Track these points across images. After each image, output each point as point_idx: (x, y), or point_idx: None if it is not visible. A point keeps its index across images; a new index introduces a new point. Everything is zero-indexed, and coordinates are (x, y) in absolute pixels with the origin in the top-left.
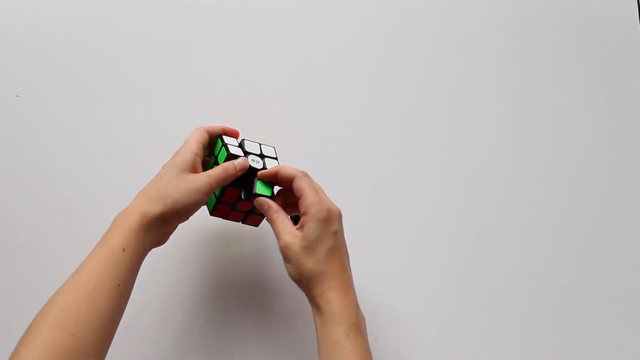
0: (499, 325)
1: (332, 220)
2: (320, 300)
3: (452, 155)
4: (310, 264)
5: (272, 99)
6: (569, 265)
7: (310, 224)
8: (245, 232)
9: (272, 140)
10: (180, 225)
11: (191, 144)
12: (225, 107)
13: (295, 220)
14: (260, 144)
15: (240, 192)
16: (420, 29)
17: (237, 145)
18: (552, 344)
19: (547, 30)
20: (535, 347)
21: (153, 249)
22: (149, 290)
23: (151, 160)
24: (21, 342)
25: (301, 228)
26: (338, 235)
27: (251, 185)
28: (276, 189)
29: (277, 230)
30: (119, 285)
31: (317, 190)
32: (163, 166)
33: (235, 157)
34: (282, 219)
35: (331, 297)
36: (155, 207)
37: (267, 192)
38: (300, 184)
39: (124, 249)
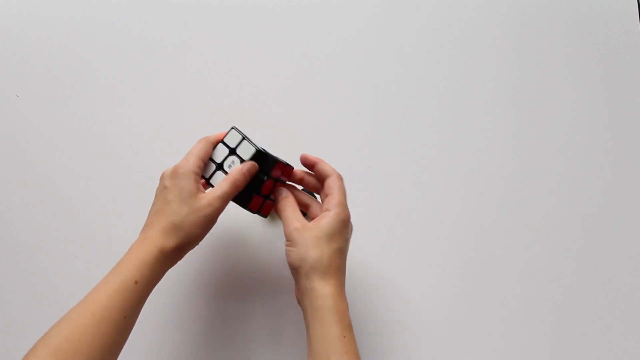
0: (499, 325)
1: (348, 226)
2: (318, 294)
3: (452, 155)
4: (318, 253)
5: (272, 99)
6: (569, 265)
7: (330, 219)
8: (246, 232)
9: (272, 140)
10: None
11: (192, 159)
12: (225, 107)
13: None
14: (256, 149)
15: (273, 183)
16: (420, 29)
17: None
18: (552, 344)
19: (547, 30)
20: (535, 347)
21: None
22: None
23: (151, 160)
24: None
25: (317, 221)
26: (348, 243)
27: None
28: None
29: (287, 216)
30: (125, 317)
31: (346, 196)
32: (165, 188)
33: (260, 154)
34: (294, 208)
35: (330, 294)
36: (170, 241)
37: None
38: (333, 184)
39: (136, 282)
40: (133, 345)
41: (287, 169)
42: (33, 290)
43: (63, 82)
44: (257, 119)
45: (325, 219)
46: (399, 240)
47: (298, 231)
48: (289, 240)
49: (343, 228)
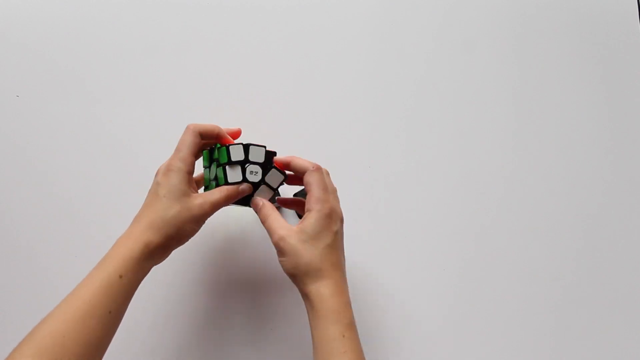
0: (499, 325)
1: (334, 219)
2: (315, 297)
3: (452, 155)
4: (307, 257)
5: (272, 99)
6: (569, 265)
7: (312, 218)
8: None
9: (272, 140)
10: None
11: (183, 155)
12: (225, 107)
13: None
14: (265, 149)
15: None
16: (420, 29)
17: (242, 154)
18: (552, 344)
19: (547, 30)
20: (535, 347)
21: None
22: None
23: (151, 160)
24: None
25: (301, 223)
26: (338, 235)
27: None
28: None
29: (271, 226)
30: (110, 312)
31: (325, 188)
32: (157, 183)
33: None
34: (276, 216)
35: (326, 295)
36: (158, 237)
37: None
38: (310, 179)
39: (120, 276)
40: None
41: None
42: (33, 290)
43: (63, 82)
44: (257, 119)
45: (307, 220)
46: (399, 240)
47: (283, 240)
48: (278, 251)
49: (328, 223)
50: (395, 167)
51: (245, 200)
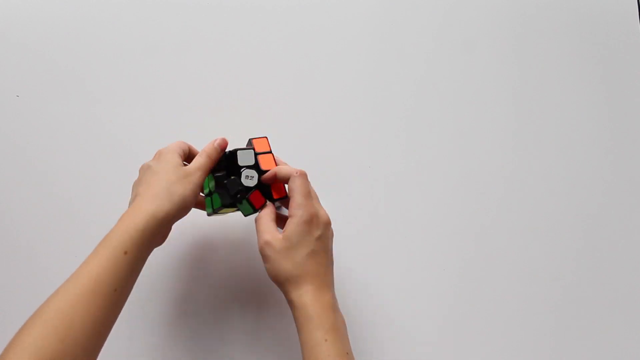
0: (499, 325)
1: (315, 224)
2: (297, 304)
3: (452, 155)
4: (288, 265)
5: (272, 99)
6: (569, 265)
7: (293, 225)
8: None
9: (272, 140)
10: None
11: (172, 145)
12: (225, 107)
13: None
14: (253, 149)
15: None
16: (420, 29)
17: (224, 163)
18: (552, 344)
19: (547, 30)
20: (535, 347)
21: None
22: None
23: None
24: (10, 344)
25: (284, 230)
26: (321, 240)
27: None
28: None
29: (259, 229)
30: (115, 290)
31: (307, 194)
32: (149, 166)
33: (223, 180)
34: (267, 220)
35: (307, 301)
36: (163, 206)
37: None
38: (292, 185)
39: (125, 252)
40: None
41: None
42: (33, 290)
43: (63, 82)
44: (257, 119)
45: (288, 227)
46: (399, 240)
47: (268, 246)
48: (262, 257)
49: (308, 229)
50: (395, 167)
51: (235, 204)
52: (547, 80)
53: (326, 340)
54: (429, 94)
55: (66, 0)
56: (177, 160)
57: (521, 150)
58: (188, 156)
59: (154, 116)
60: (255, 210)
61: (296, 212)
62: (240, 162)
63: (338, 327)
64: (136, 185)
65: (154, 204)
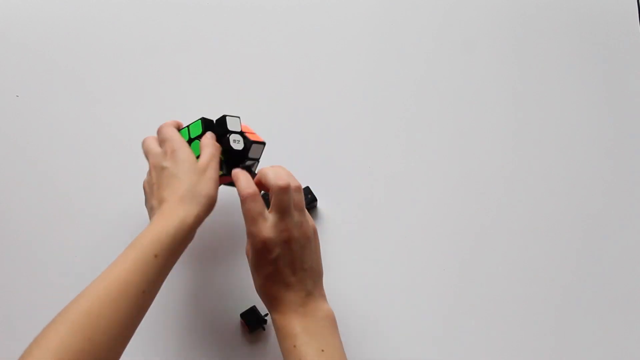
0: (499, 325)
1: (268, 249)
2: (271, 321)
3: (452, 155)
4: (256, 285)
5: (271, 99)
6: (570, 265)
7: (250, 253)
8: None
9: (272, 140)
10: None
11: (177, 136)
12: (225, 107)
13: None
14: (238, 117)
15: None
16: (420, 29)
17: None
18: (553, 345)
19: (547, 30)
20: (535, 347)
21: None
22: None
23: None
24: (35, 341)
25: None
26: (280, 260)
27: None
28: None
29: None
30: (144, 292)
31: (252, 220)
32: (162, 168)
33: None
34: (249, 224)
35: (275, 317)
36: (192, 210)
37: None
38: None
39: (156, 255)
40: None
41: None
42: (33, 290)
43: (63, 82)
44: (257, 119)
45: (249, 252)
46: (399, 240)
47: (248, 257)
48: None
49: (262, 254)
50: (395, 167)
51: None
52: (546, 81)
53: (294, 346)
54: (429, 94)
55: (66, 0)
56: (191, 156)
57: (521, 150)
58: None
59: (154, 116)
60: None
61: (248, 238)
62: (230, 127)
63: (309, 329)
64: (153, 187)
65: (180, 209)
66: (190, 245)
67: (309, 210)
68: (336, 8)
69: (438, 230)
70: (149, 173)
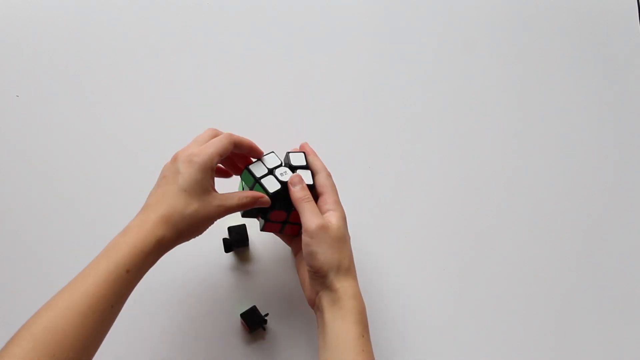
0: (499, 325)
1: (345, 221)
2: (343, 295)
3: (453, 156)
4: (341, 254)
5: (272, 100)
6: (570, 266)
7: (339, 219)
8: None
9: (273, 140)
10: None
11: (212, 152)
12: (225, 107)
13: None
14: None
15: (286, 213)
16: (420, 29)
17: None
18: (553, 345)
19: (547, 30)
20: (535, 347)
21: None
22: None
23: (151, 160)
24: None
25: (330, 221)
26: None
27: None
28: None
29: (308, 211)
30: (112, 307)
31: (338, 193)
32: (179, 171)
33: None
34: (314, 204)
35: (352, 294)
36: (171, 233)
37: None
38: (326, 182)
39: (128, 271)
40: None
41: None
42: (33, 290)
43: (63, 82)
44: (257, 119)
45: (334, 219)
46: (399, 241)
47: (324, 230)
48: (313, 239)
49: (346, 226)
50: (395, 167)
51: (253, 212)
52: (546, 81)
53: (363, 336)
54: (429, 94)
55: (66, 1)
56: (208, 183)
57: (521, 151)
58: (238, 147)
59: (154, 117)
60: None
61: (338, 207)
62: (293, 162)
63: (368, 329)
64: (158, 186)
65: (162, 228)
66: (191, 244)
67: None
68: (336, 8)
69: (438, 230)
70: (172, 159)
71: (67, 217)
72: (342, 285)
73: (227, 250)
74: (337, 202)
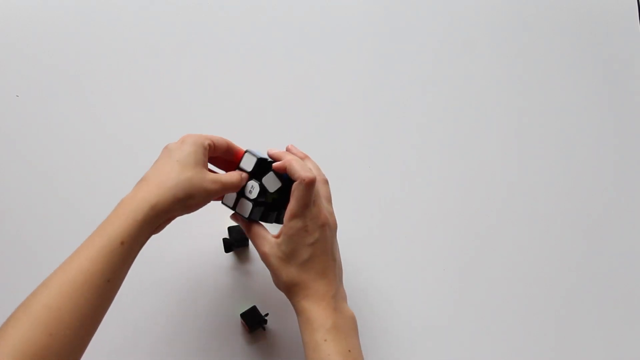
0: (499, 325)
1: (310, 232)
2: (299, 309)
3: (452, 155)
4: (285, 274)
5: (272, 99)
6: (570, 266)
7: (285, 237)
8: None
9: (273, 140)
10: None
11: (205, 136)
12: (226, 108)
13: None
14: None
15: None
16: (421, 29)
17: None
18: (553, 345)
19: (547, 30)
20: (535, 347)
21: None
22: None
23: (151, 161)
24: None
25: (278, 238)
26: (318, 244)
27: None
28: None
29: (254, 242)
30: (108, 281)
31: (305, 204)
32: (170, 149)
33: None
34: (258, 228)
35: (306, 306)
36: (166, 198)
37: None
38: (294, 190)
39: (122, 243)
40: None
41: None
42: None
43: (63, 82)
44: (257, 119)
45: (280, 238)
46: (399, 240)
47: (266, 258)
48: (265, 264)
49: (300, 239)
50: (395, 167)
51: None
52: (547, 81)
53: (325, 340)
54: (429, 94)
55: (66, 1)
56: (200, 156)
57: (521, 150)
58: (221, 151)
59: (155, 117)
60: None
61: (288, 222)
62: (268, 187)
63: (339, 326)
64: (150, 169)
65: (154, 193)
66: (191, 244)
67: None
68: (336, 8)
69: (438, 230)
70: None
71: (67, 217)
72: (295, 300)
73: (227, 250)
74: (291, 215)
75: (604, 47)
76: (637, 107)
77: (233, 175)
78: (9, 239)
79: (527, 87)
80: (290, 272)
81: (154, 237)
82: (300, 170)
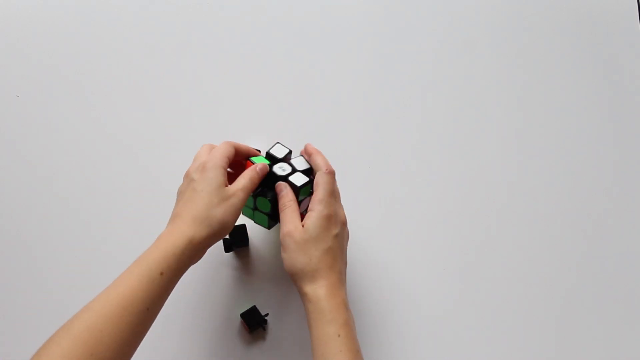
0: (499, 325)
1: (334, 222)
2: (312, 297)
3: (453, 155)
4: (305, 258)
5: (272, 99)
6: (571, 266)
7: (313, 219)
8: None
9: (273, 140)
10: None
11: (218, 156)
12: (226, 108)
13: None
14: (290, 152)
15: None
16: (421, 29)
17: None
18: (553, 345)
19: (547, 30)
20: (535, 347)
21: None
22: None
23: (151, 161)
24: (38, 354)
25: (303, 223)
26: (338, 239)
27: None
28: None
29: (284, 218)
30: (148, 309)
31: (331, 192)
32: (194, 180)
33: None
34: (293, 209)
35: (321, 295)
36: (202, 231)
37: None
38: (320, 179)
39: (161, 273)
40: None
41: None
42: (33, 291)
43: (63, 83)
44: (257, 120)
45: (309, 220)
46: (400, 240)
47: (289, 236)
48: (282, 246)
49: (327, 226)
50: (395, 167)
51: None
52: (547, 80)
53: (339, 335)
54: (429, 93)
55: (66, 1)
56: (221, 179)
57: (521, 150)
58: (235, 157)
59: (154, 117)
60: (273, 213)
61: (317, 207)
62: (297, 167)
63: (350, 324)
64: (178, 201)
65: (192, 228)
66: None
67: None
68: (336, 9)
69: (438, 230)
70: (183, 179)
71: (67, 217)
72: (310, 288)
73: (227, 250)
74: (320, 201)
75: (604, 47)
76: (637, 107)
77: (242, 178)
78: (9, 239)
79: (527, 87)
80: (311, 257)
81: (152, 237)
82: (322, 161)
